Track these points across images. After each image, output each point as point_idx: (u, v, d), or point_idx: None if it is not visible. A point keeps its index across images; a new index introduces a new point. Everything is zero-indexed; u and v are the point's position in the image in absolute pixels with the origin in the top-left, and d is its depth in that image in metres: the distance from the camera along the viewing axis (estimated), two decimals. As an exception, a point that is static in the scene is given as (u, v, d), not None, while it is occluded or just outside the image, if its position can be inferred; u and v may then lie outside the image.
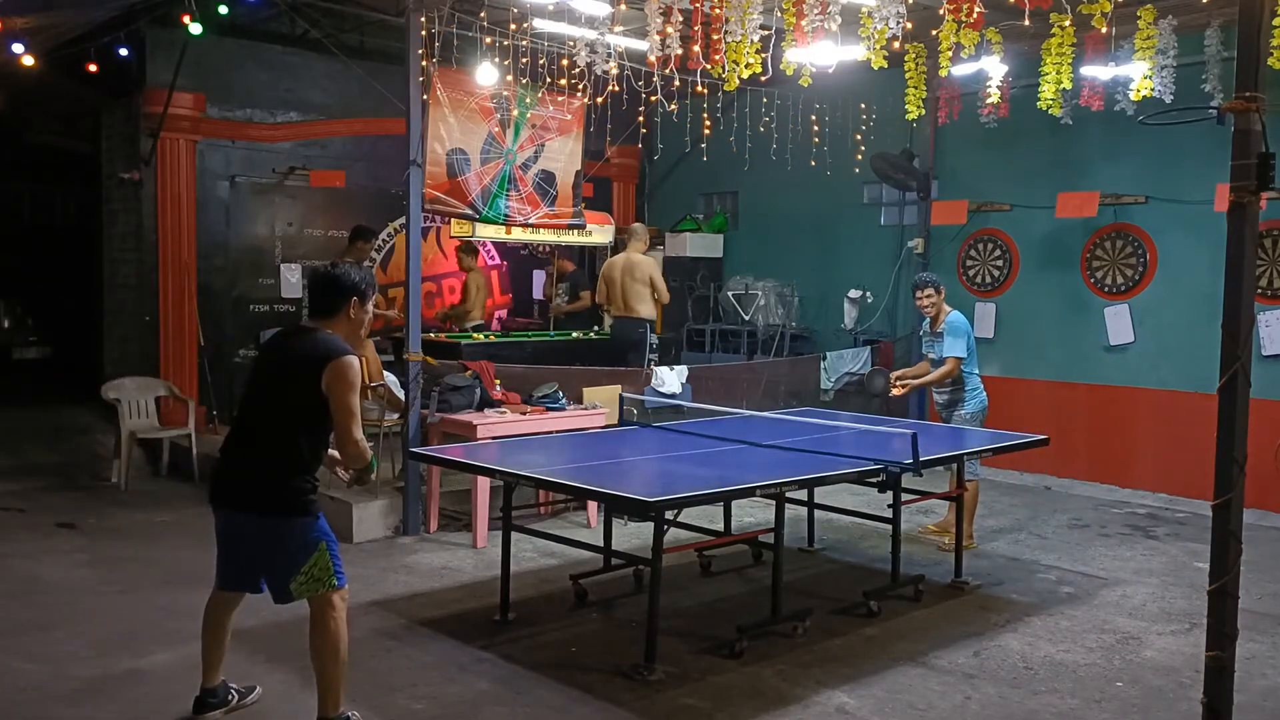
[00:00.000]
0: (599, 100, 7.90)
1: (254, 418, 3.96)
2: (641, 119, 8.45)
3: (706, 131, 8.51)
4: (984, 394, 7.06)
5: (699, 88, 6.94)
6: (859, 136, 9.21)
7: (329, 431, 3.90)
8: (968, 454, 6.12)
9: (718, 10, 6.15)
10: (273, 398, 3.89)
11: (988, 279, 9.63)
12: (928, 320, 7.17)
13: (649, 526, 4.78)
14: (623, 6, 6.82)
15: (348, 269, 4.07)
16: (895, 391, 7.30)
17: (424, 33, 6.92)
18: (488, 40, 7.24)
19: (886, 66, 6.41)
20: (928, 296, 7.03)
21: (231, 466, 3.96)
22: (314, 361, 3.77)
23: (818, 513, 6.84)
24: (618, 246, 9.97)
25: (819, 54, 6.21)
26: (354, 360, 3.80)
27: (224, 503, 3.95)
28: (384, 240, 10.76)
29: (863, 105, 9.30)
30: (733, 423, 6.90)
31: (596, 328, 11.05)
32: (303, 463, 3.86)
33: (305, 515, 3.87)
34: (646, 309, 9.28)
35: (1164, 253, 8.54)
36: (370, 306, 4.07)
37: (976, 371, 7.09)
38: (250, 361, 10.04)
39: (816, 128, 9.17)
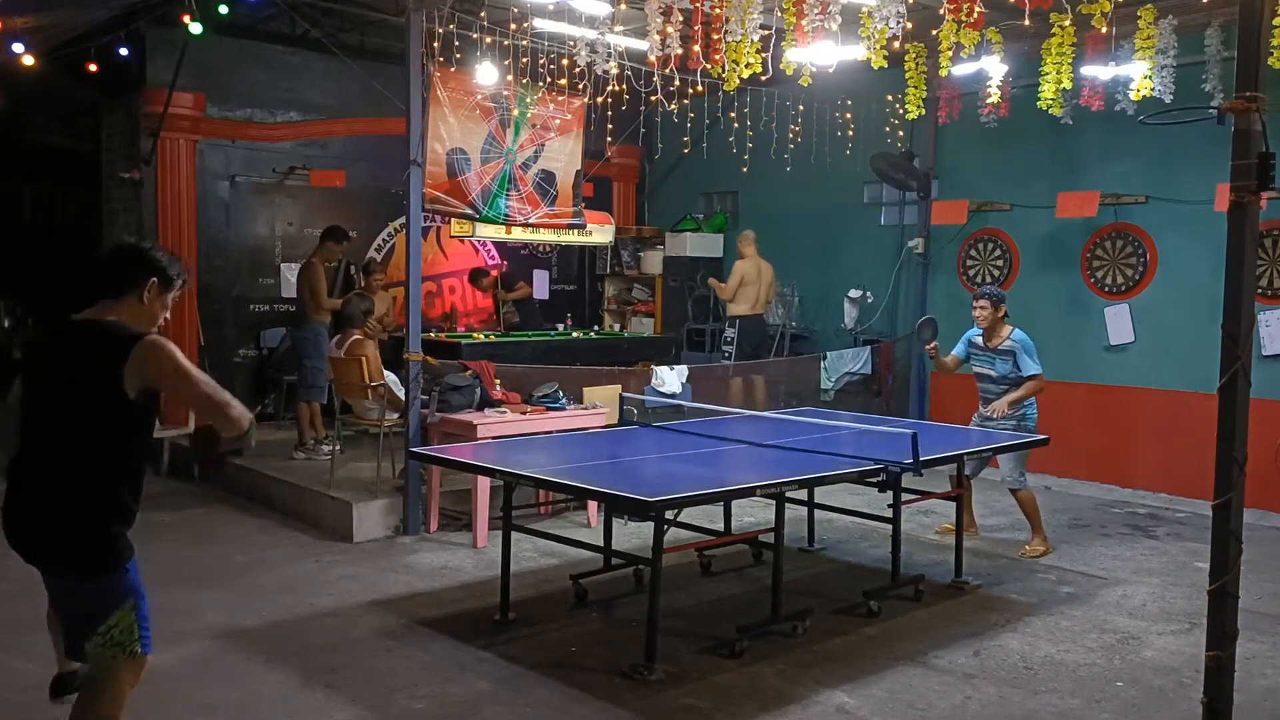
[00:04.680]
0: (599, 100, 7.91)
1: (40, 441, 3.15)
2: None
3: (713, 119, 8.48)
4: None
5: (699, 87, 6.95)
6: (860, 134, 9.21)
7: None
8: (968, 454, 6.13)
9: (718, 10, 6.15)
10: (57, 411, 3.10)
11: (988, 279, 9.61)
12: (980, 333, 7.02)
13: (649, 526, 4.79)
14: (623, 6, 6.82)
15: (152, 250, 3.23)
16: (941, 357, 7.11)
17: (424, 32, 6.93)
18: (488, 40, 7.24)
19: (886, 66, 6.41)
20: (981, 308, 6.90)
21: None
22: (109, 352, 3.01)
23: (818, 513, 6.84)
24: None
25: (819, 54, 6.21)
26: (162, 338, 3.10)
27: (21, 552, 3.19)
28: (384, 240, 10.77)
29: (863, 105, 9.30)
30: (733, 423, 6.90)
31: (596, 327, 11.03)
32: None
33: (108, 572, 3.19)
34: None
35: (1164, 253, 8.54)
36: (170, 300, 3.24)
37: None
38: (251, 361, 10.08)
39: (816, 128, 9.16)
